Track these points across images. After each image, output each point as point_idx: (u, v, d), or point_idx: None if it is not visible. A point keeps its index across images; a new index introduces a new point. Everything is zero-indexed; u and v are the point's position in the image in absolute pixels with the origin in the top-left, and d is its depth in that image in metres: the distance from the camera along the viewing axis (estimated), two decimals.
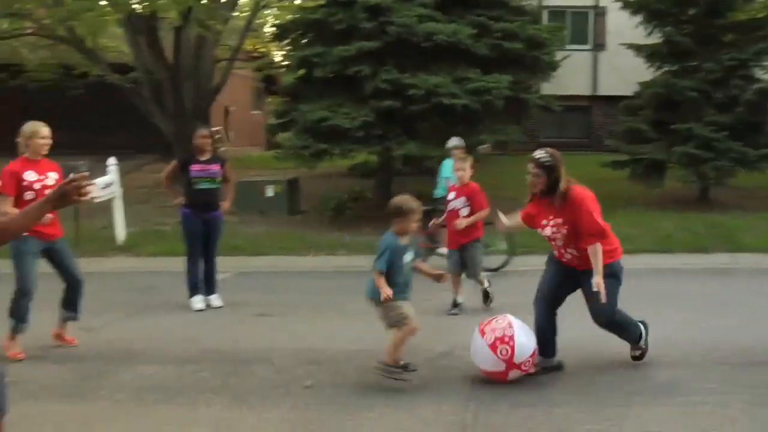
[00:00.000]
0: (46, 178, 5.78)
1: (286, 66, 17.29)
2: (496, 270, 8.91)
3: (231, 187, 7.78)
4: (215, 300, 7.58)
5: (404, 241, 5.06)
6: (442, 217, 7.51)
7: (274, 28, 16.76)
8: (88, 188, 2.98)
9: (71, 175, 2.99)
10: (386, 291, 4.86)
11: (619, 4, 14.87)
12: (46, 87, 18.51)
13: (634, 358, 5.37)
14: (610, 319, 5.09)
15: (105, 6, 15.91)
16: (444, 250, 8.14)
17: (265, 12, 20.90)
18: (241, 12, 20.78)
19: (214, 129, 11.41)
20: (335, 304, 7.65)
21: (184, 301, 7.51)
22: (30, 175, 5.72)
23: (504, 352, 4.91)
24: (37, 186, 5.70)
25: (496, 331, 4.99)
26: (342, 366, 5.47)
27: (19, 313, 5.81)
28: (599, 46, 21.94)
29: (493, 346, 4.93)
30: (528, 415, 4.49)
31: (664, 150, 13.31)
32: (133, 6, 16.13)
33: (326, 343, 6.15)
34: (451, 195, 7.35)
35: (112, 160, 10.94)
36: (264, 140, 26.91)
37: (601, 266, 4.87)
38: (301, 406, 4.72)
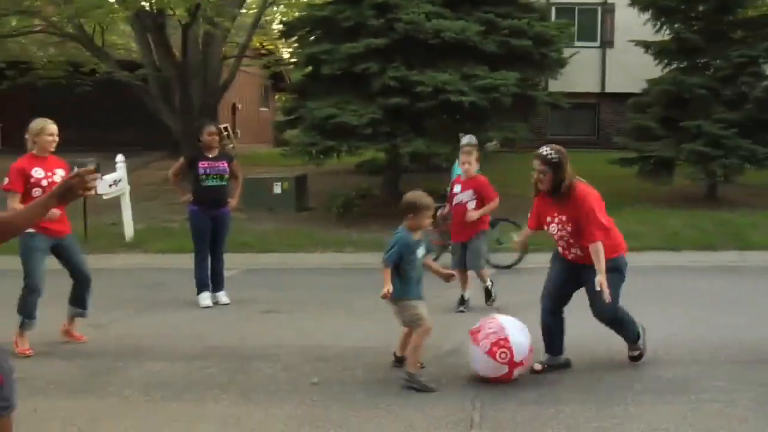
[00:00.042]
0: (54, 175, 5.79)
1: (294, 63, 17.37)
2: (508, 267, 8.85)
3: (239, 184, 7.79)
4: (223, 297, 7.59)
5: (417, 236, 5.06)
6: (447, 209, 7.40)
7: (281, 25, 16.79)
8: (94, 182, 2.94)
9: (76, 169, 2.95)
10: (387, 287, 4.86)
11: (627, 0, 14.78)
12: (55, 84, 18.58)
13: (632, 358, 5.33)
14: (612, 315, 5.07)
15: (113, 3, 15.97)
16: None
17: (273, 9, 20.94)
18: (249, 9, 20.84)
19: (221, 126, 11.43)
20: (342, 301, 7.66)
21: (191, 297, 7.52)
22: (37, 172, 5.74)
23: (503, 355, 4.87)
24: (44, 183, 5.71)
25: (490, 336, 4.93)
26: (349, 363, 5.47)
27: (27, 310, 5.82)
28: (607, 43, 21.83)
29: (491, 353, 4.88)
30: (535, 413, 4.48)
31: (673, 147, 13.25)
32: (142, 3, 16.17)
33: (333, 340, 6.15)
34: (457, 188, 7.24)
35: (120, 157, 10.99)
36: (272, 137, 26.95)
37: (603, 265, 4.84)
38: (308, 402, 4.72)
